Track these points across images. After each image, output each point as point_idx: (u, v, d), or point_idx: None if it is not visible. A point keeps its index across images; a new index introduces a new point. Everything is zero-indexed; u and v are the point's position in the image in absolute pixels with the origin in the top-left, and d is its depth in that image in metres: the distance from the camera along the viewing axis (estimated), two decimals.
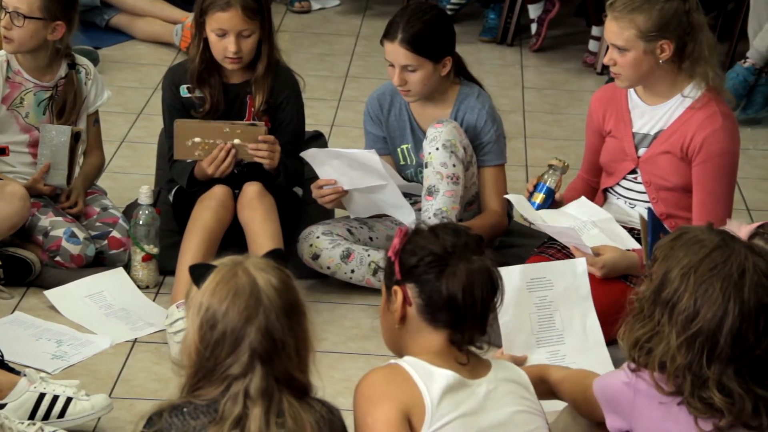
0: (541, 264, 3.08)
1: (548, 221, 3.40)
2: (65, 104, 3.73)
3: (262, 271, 2.09)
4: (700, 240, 2.18)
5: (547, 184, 3.49)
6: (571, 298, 2.96)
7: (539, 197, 3.50)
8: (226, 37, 3.60)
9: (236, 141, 3.58)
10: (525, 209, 3.44)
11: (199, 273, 2.11)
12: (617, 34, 3.31)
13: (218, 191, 3.63)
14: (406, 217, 3.67)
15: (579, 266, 3.03)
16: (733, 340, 2.12)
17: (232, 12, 3.57)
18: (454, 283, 2.20)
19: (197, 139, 3.57)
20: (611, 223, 3.43)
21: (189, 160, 3.66)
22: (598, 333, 3.00)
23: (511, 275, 2.96)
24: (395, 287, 2.26)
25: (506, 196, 3.54)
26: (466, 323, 2.23)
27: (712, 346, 2.13)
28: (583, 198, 3.52)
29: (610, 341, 2.88)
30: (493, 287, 2.24)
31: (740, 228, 2.43)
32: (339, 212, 3.90)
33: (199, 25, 3.65)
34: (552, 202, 3.50)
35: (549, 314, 2.92)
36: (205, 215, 3.58)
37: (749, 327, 2.12)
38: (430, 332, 2.25)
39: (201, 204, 3.62)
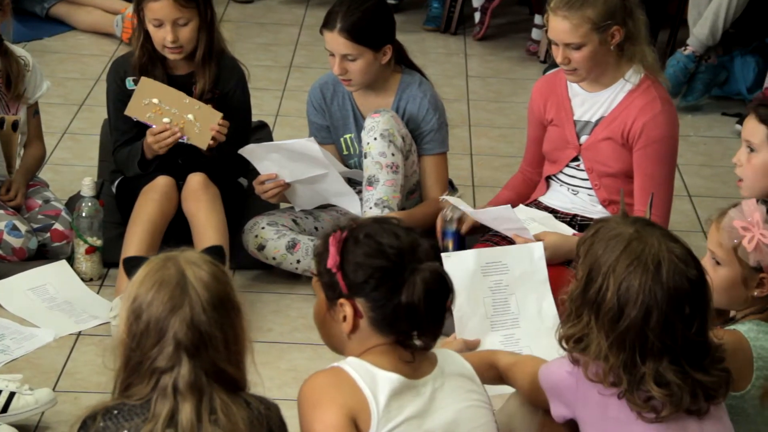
0: (497, 248, 3.08)
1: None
2: (9, 76, 3.68)
3: (192, 264, 2.08)
4: (617, 234, 2.18)
5: (451, 228, 3.48)
6: (528, 282, 2.95)
7: (450, 244, 3.47)
8: (163, 27, 3.58)
9: (190, 116, 3.56)
10: (464, 207, 3.46)
11: (131, 265, 2.11)
12: (571, 32, 3.32)
13: (161, 182, 3.60)
14: (351, 204, 3.67)
15: (536, 251, 3.03)
16: (662, 332, 2.12)
17: (163, 1, 3.55)
18: (413, 294, 2.15)
19: (155, 101, 3.56)
20: (549, 219, 3.47)
21: (135, 119, 3.61)
22: (554, 317, 2.99)
23: (465, 259, 2.93)
24: (342, 300, 2.21)
25: (443, 197, 3.54)
26: (425, 328, 2.20)
27: (642, 342, 2.13)
28: (521, 206, 3.54)
29: None
30: (447, 288, 2.21)
31: (755, 212, 2.42)
32: (284, 203, 3.89)
33: (139, 16, 3.64)
34: (462, 241, 3.48)
35: (504, 298, 2.92)
36: (149, 207, 3.56)
37: (675, 315, 2.13)
38: (378, 337, 2.21)
39: (144, 196, 3.60)
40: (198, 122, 3.56)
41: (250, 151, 3.63)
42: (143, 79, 3.60)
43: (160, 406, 2.03)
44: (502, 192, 3.69)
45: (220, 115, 3.58)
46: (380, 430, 2.14)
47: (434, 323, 2.21)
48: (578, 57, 3.35)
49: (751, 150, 2.90)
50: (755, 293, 2.45)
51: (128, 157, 3.69)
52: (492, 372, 2.49)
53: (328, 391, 2.16)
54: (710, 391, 2.17)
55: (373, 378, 2.17)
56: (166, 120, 3.56)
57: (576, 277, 2.22)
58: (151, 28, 3.61)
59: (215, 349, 2.05)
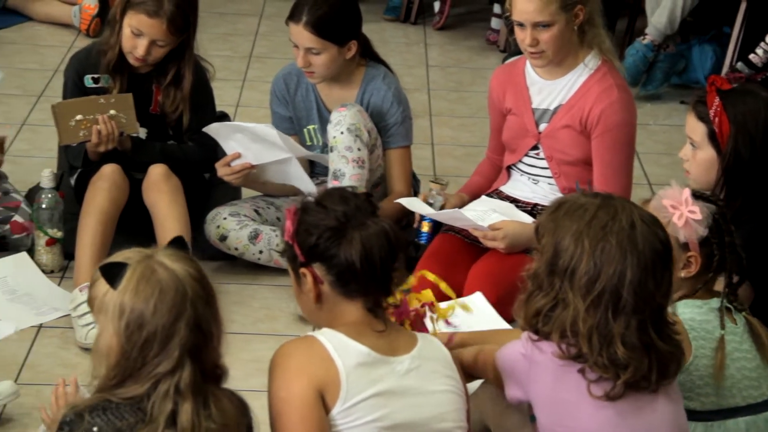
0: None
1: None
2: None
3: (177, 263, 2.07)
4: (581, 205, 2.24)
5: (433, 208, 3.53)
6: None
7: (426, 226, 3.55)
8: (139, 39, 3.53)
9: (112, 112, 3.54)
10: (420, 208, 3.50)
11: (112, 273, 2.07)
12: (540, 11, 3.32)
13: (108, 171, 3.55)
14: (310, 188, 3.66)
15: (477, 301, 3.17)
16: (635, 292, 2.18)
17: (157, 21, 3.49)
18: (351, 251, 2.21)
19: (79, 117, 3.52)
20: (510, 209, 3.50)
21: (75, 144, 3.59)
22: (490, 311, 3.12)
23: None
24: (302, 270, 2.26)
25: (397, 201, 3.56)
26: (370, 289, 2.24)
27: (615, 300, 2.18)
28: (483, 196, 3.58)
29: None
30: (390, 247, 2.24)
31: (683, 192, 2.47)
32: (246, 193, 3.88)
33: (122, 13, 3.55)
34: (439, 226, 3.54)
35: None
36: (99, 197, 3.52)
37: (648, 275, 2.19)
38: (347, 304, 2.26)
39: (93, 186, 3.56)
40: (120, 112, 3.54)
41: (215, 130, 3.61)
42: (54, 105, 3.53)
43: (158, 409, 2.02)
44: (473, 178, 3.73)
45: (130, 95, 3.54)
46: (347, 401, 2.17)
47: (377, 283, 2.24)
48: (547, 37, 3.36)
49: (693, 146, 2.95)
50: (682, 274, 2.50)
51: (76, 155, 3.66)
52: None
53: (299, 360, 2.19)
54: (664, 362, 2.21)
55: (345, 349, 2.20)
56: (98, 127, 3.51)
57: (539, 253, 2.26)
58: (127, 31, 3.53)
59: (212, 345, 2.06)
